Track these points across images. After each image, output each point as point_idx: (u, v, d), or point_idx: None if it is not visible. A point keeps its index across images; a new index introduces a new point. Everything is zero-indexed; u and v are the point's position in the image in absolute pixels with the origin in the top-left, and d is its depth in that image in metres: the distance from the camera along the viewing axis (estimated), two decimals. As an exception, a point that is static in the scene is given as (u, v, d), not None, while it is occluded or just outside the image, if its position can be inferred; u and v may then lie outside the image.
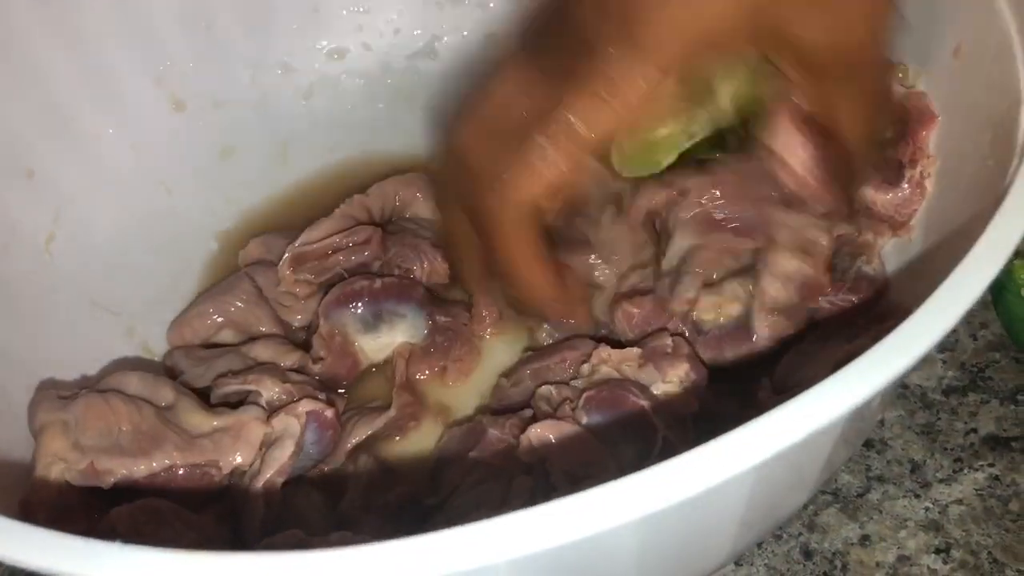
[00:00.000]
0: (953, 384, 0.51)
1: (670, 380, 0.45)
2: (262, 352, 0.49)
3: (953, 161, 0.45)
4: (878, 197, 0.49)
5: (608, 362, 0.46)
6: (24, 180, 0.54)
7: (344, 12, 0.64)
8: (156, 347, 0.57)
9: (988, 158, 0.40)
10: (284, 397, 0.45)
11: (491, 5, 0.65)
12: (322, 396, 0.46)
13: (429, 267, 0.54)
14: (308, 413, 0.44)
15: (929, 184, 0.47)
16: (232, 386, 0.45)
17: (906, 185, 0.48)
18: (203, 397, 0.47)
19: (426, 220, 0.57)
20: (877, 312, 0.46)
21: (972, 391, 0.51)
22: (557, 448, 0.41)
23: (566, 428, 0.42)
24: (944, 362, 0.52)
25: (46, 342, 0.52)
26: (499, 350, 0.53)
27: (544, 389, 0.46)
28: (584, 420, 0.42)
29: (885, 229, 0.49)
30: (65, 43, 0.55)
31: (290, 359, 0.49)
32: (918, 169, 0.48)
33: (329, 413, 0.45)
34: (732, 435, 0.28)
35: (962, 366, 0.52)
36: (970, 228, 0.40)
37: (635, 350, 0.46)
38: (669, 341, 0.47)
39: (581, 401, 0.43)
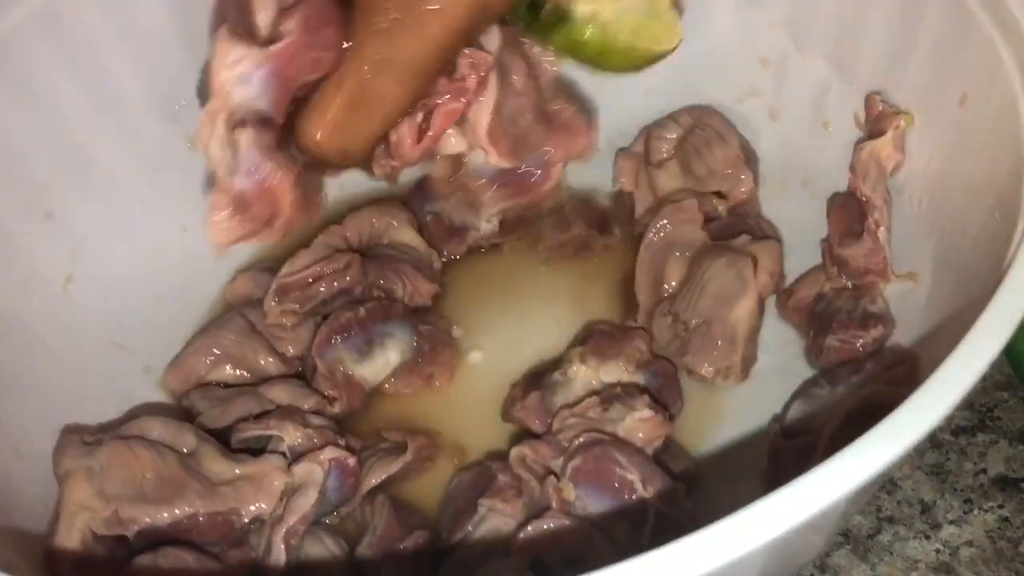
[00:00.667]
0: (962, 424, 0.52)
1: (639, 409, 0.46)
2: (280, 395, 0.49)
3: (958, 210, 0.45)
4: (846, 252, 0.50)
5: (575, 414, 0.47)
6: (43, 221, 0.55)
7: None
8: (173, 385, 0.58)
9: (995, 210, 0.41)
10: (306, 443, 0.45)
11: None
12: (342, 442, 0.47)
13: (412, 288, 0.55)
14: (331, 460, 0.44)
15: (881, 234, 0.49)
16: (253, 431, 0.46)
17: (866, 236, 0.49)
18: (219, 437, 0.48)
19: (404, 245, 0.58)
20: (886, 357, 0.47)
21: (981, 431, 0.51)
22: (552, 540, 0.41)
23: (555, 522, 0.42)
24: (952, 402, 0.52)
25: (66, 382, 0.53)
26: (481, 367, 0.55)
27: (518, 452, 0.46)
28: (572, 495, 0.43)
29: (873, 278, 0.50)
30: (83, 83, 0.55)
31: (308, 402, 0.49)
32: (872, 219, 0.49)
33: (351, 461, 0.45)
34: (759, 505, 0.28)
35: (971, 406, 0.52)
36: (979, 276, 0.41)
37: (593, 398, 0.48)
38: (618, 389, 0.48)
39: (568, 472, 0.43)
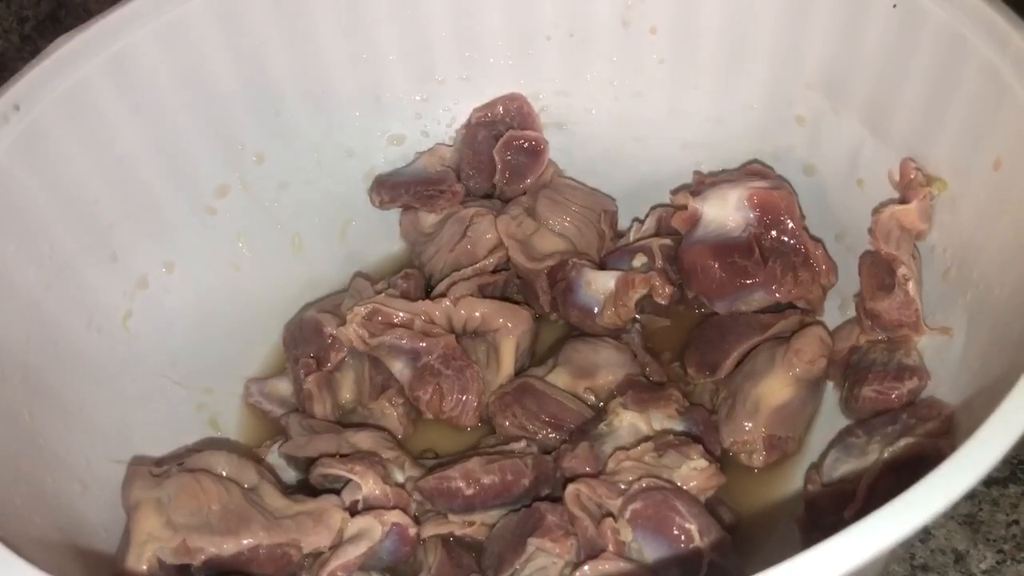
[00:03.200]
0: (994, 476, 0.53)
1: (693, 457, 0.48)
2: (363, 441, 0.51)
3: (992, 268, 0.47)
4: (878, 306, 0.52)
5: (631, 458, 0.48)
6: (108, 261, 0.57)
7: (404, 100, 0.68)
8: (223, 423, 0.60)
9: (1032, 267, 0.43)
10: (380, 498, 0.47)
11: (542, 97, 0.68)
12: (414, 506, 0.48)
13: (460, 407, 0.55)
14: (394, 524, 0.46)
15: (911, 287, 0.50)
16: (336, 470, 0.47)
17: (897, 290, 0.51)
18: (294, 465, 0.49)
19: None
20: (921, 409, 0.48)
21: (1013, 483, 0.53)
22: None
23: (611, 564, 0.42)
24: (984, 453, 0.54)
25: (125, 415, 0.55)
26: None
27: (574, 490, 0.47)
28: (630, 537, 0.44)
29: (906, 331, 0.52)
30: (148, 132, 0.58)
31: (388, 454, 0.51)
32: (900, 274, 0.51)
33: (412, 531, 0.47)
34: (806, 556, 0.29)
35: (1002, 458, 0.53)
36: (1014, 331, 0.42)
37: (648, 444, 0.49)
38: (671, 437, 0.50)
39: (627, 514, 0.44)
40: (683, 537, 0.43)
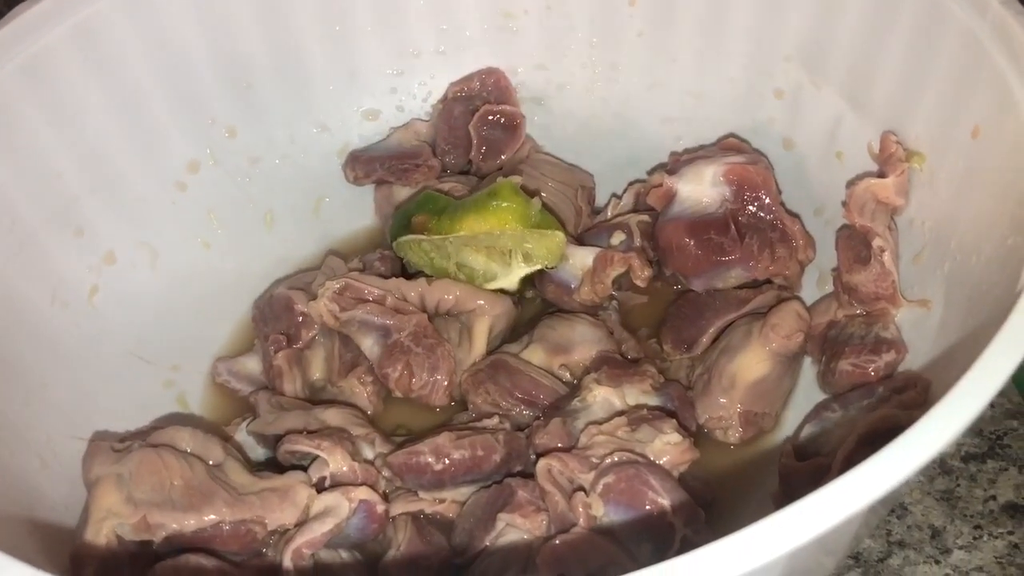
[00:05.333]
0: (972, 451, 0.53)
1: (666, 432, 0.47)
2: (333, 417, 0.50)
3: (969, 238, 0.46)
4: (855, 278, 0.51)
5: (604, 432, 0.47)
6: (72, 236, 0.56)
7: (379, 74, 0.67)
8: (191, 401, 0.59)
9: (1008, 236, 0.42)
10: (347, 475, 0.46)
11: (519, 71, 0.67)
12: (382, 484, 0.47)
13: (429, 386, 0.54)
14: (362, 501, 0.45)
15: (887, 258, 0.50)
16: (303, 446, 0.46)
17: (873, 262, 0.50)
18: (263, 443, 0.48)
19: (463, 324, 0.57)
20: (897, 381, 0.48)
21: (990, 458, 0.52)
22: (577, 556, 0.41)
23: (581, 538, 0.42)
24: (962, 429, 0.53)
25: (88, 392, 0.54)
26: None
27: (545, 464, 0.46)
28: (601, 511, 0.43)
29: (883, 304, 0.51)
30: (114, 102, 0.57)
31: (358, 431, 0.50)
32: (876, 245, 0.50)
33: (380, 508, 0.46)
34: (774, 518, 0.29)
35: (980, 433, 0.53)
36: (990, 302, 0.42)
37: (622, 418, 0.48)
38: (644, 412, 0.49)
39: (599, 488, 0.43)
40: (656, 512, 0.43)
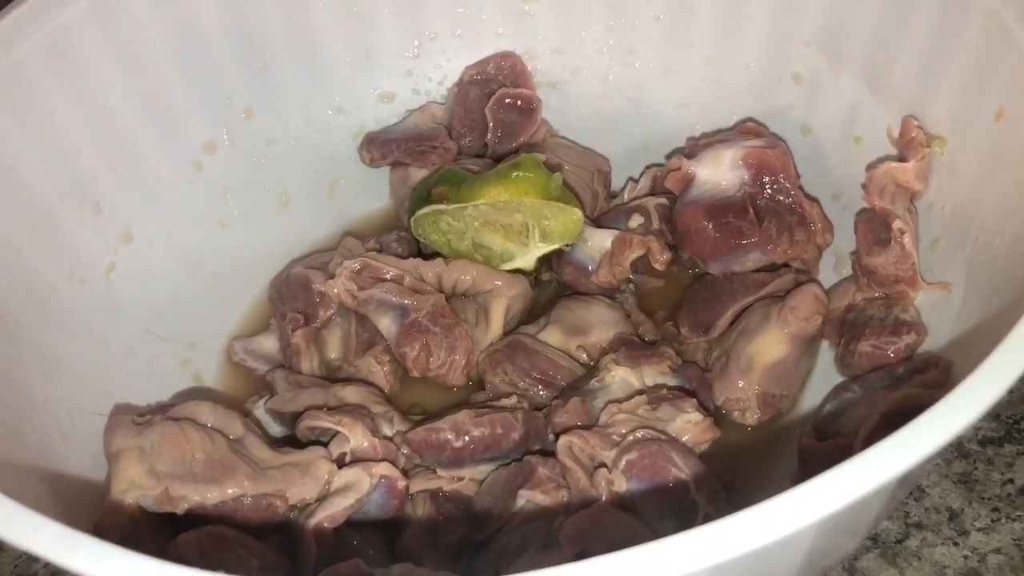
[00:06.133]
0: (989, 435, 0.53)
1: (687, 411, 0.47)
2: (351, 395, 0.50)
3: (991, 220, 0.46)
4: (874, 261, 0.51)
5: (624, 411, 0.47)
6: (90, 213, 0.56)
7: (395, 57, 0.67)
8: (207, 377, 0.59)
9: (1033, 218, 0.42)
10: (368, 451, 0.46)
11: (536, 55, 0.67)
12: (402, 460, 0.47)
13: (447, 366, 0.54)
14: (382, 477, 0.45)
15: (906, 240, 0.50)
16: (323, 422, 0.46)
17: (893, 244, 0.50)
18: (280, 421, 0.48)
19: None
20: (918, 362, 0.48)
21: (1008, 442, 0.52)
22: (600, 532, 0.41)
23: (603, 513, 0.42)
24: (979, 413, 0.53)
25: (107, 367, 0.54)
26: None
27: (566, 441, 0.46)
28: (624, 487, 0.43)
29: (903, 287, 0.51)
30: (133, 81, 0.57)
31: (376, 408, 0.50)
32: (896, 227, 0.50)
33: (401, 484, 0.46)
34: (802, 488, 0.29)
35: (997, 417, 0.53)
36: (1013, 284, 0.42)
37: (642, 397, 0.48)
38: (664, 391, 0.49)
39: (622, 464, 0.43)
40: (679, 488, 0.43)
